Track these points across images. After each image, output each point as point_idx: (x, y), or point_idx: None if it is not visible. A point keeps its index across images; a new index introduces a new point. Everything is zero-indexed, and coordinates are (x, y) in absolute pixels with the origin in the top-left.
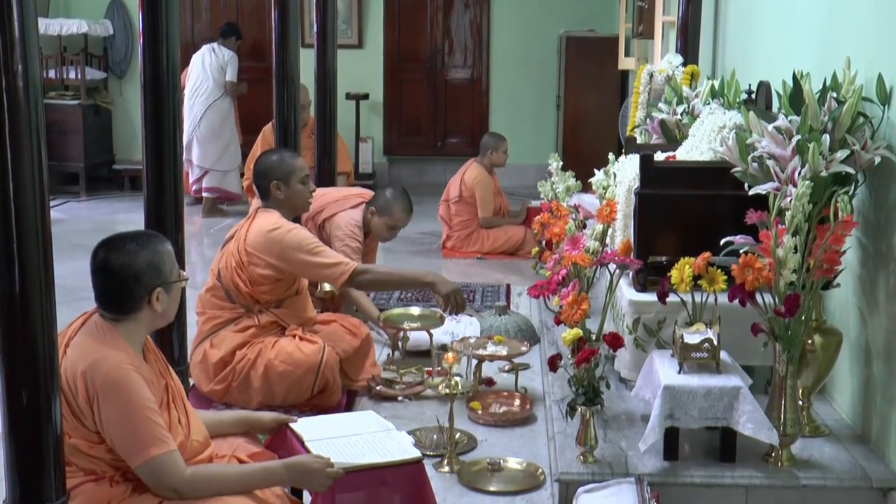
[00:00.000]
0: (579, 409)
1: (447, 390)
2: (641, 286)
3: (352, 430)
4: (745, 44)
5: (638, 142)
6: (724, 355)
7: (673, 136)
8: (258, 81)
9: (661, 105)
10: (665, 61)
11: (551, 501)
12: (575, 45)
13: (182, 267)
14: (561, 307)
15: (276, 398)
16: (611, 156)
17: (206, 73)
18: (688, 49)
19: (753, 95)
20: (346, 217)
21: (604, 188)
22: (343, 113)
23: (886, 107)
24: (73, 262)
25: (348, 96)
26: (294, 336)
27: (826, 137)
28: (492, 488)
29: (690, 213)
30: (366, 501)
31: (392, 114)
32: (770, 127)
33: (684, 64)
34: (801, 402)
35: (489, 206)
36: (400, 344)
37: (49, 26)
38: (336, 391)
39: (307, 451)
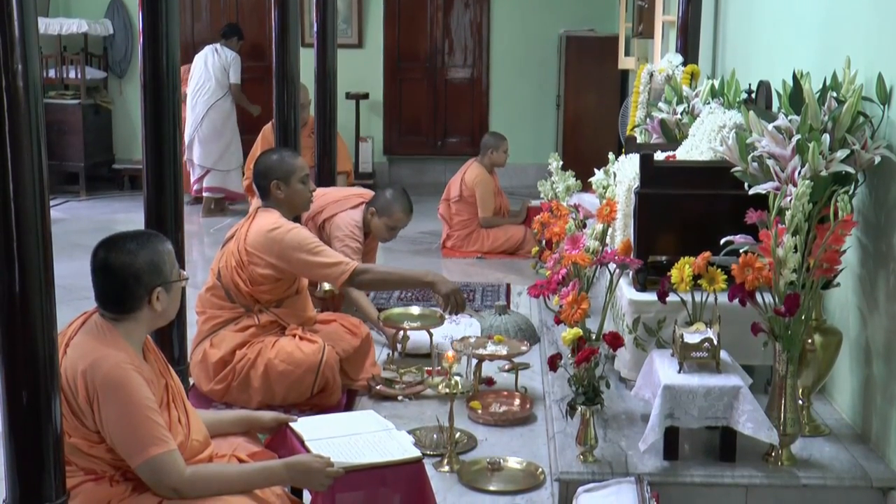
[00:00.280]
0: (579, 408)
1: (447, 390)
2: (641, 286)
3: (352, 429)
4: (745, 43)
5: (638, 141)
6: (724, 355)
7: (673, 135)
8: (258, 81)
9: (661, 104)
10: (665, 61)
11: (551, 501)
12: (575, 45)
13: (182, 266)
14: (561, 307)
15: (276, 398)
16: (611, 155)
17: (208, 73)
18: (688, 48)
19: (753, 95)
20: (346, 217)
21: (604, 188)
22: (343, 112)
23: (886, 106)
24: (73, 261)
25: (348, 96)
26: (294, 336)
27: (826, 137)
28: (492, 488)
29: (690, 212)
30: (366, 501)
31: (392, 113)
32: (770, 126)
33: (684, 63)
34: (801, 402)
35: (489, 206)
36: (399, 344)
37: (49, 26)
38: (336, 391)
39: (307, 450)
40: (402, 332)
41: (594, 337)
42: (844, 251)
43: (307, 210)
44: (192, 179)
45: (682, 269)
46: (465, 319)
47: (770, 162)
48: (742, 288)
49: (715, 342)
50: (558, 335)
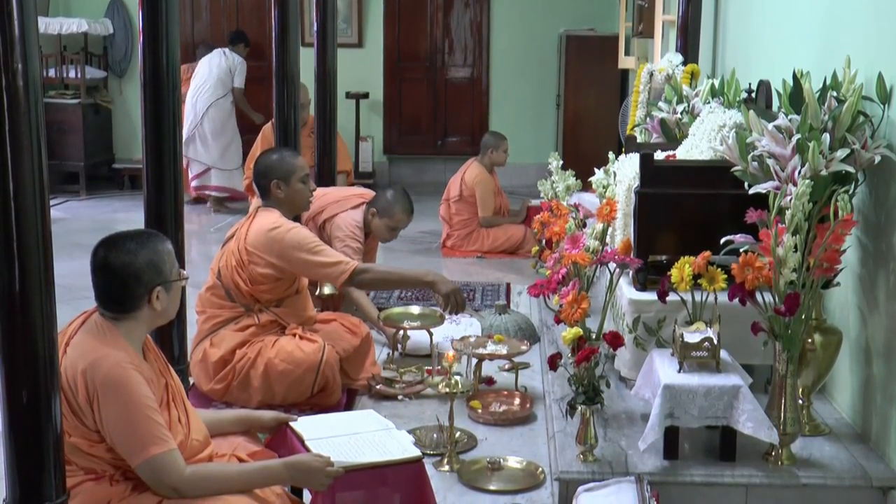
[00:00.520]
0: (579, 408)
1: (447, 389)
2: (641, 285)
3: (352, 428)
4: (745, 43)
5: (638, 141)
6: (724, 354)
7: (673, 135)
8: (258, 80)
9: (661, 104)
10: (665, 60)
11: (551, 500)
12: (575, 44)
13: (182, 266)
14: (561, 306)
15: (276, 397)
16: (611, 155)
17: (211, 72)
18: (688, 48)
19: (753, 94)
20: (346, 218)
21: (604, 187)
22: (343, 112)
23: (886, 106)
24: (73, 261)
25: (348, 95)
26: (294, 335)
27: (826, 136)
28: (492, 487)
29: (690, 211)
30: (366, 500)
31: (392, 113)
32: (770, 126)
33: (684, 63)
34: (801, 401)
35: (489, 206)
36: (400, 343)
37: (49, 25)
38: (336, 390)
39: (307, 449)
40: (402, 332)
41: (594, 336)
42: (844, 251)
43: (307, 210)
44: (190, 176)
45: (682, 269)
46: (465, 319)
47: (770, 161)
48: (742, 287)
49: (715, 341)
50: (558, 334)
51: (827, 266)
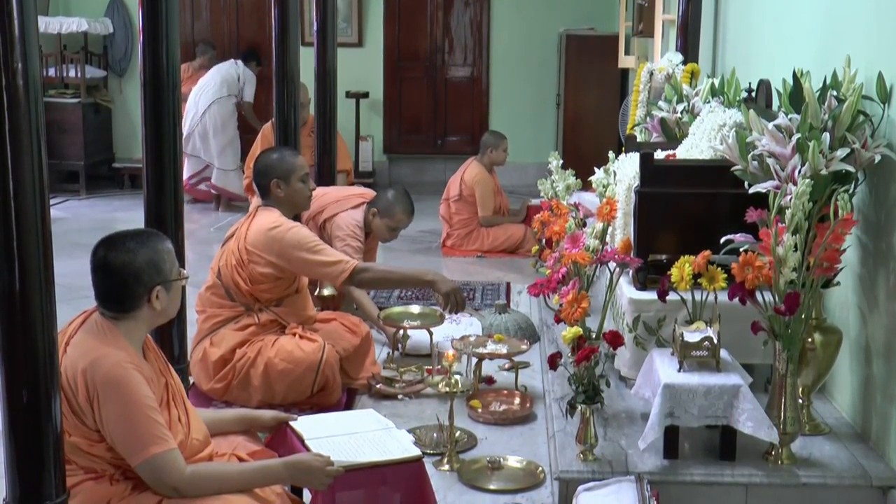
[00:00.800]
0: (579, 407)
1: (447, 388)
2: (641, 284)
3: (352, 428)
4: (746, 42)
5: (638, 140)
6: (724, 354)
7: (673, 134)
8: (258, 80)
9: (661, 103)
10: (665, 59)
11: (551, 500)
12: (575, 44)
13: (182, 265)
14: (561, 305)
15: (276, 396)
16: (611, 154)
17: (219, 75)
18: (688, 47)
19: (753, 94)
20: (347, 217)
21: (604, 186)
22: (343, 111)
23: (886, 105)
24: (73, 260)
25: (348, 95)
26: (294, 334)
27: (826, 136)
28: (492, 487)
29: (690, 211)
30: (366, 500)
31: (392, 112)
32: (770, 125)
33: (684, 62)
34: (801, 401)
35: (489, 205)
36: (400, 343)
37: (49, 24)
38: (336, 389)
39: (307, 449)
40: (402, 331)
41: (594, 336)
42: (844, 250)
43: (307, 209)
44: (188, 174)
45: (682, 268)
46: (465, 318)
47: (770, 161)
48: (742, 287)
49: (715, 341)
50: (558, 334)
51: (827, 265)
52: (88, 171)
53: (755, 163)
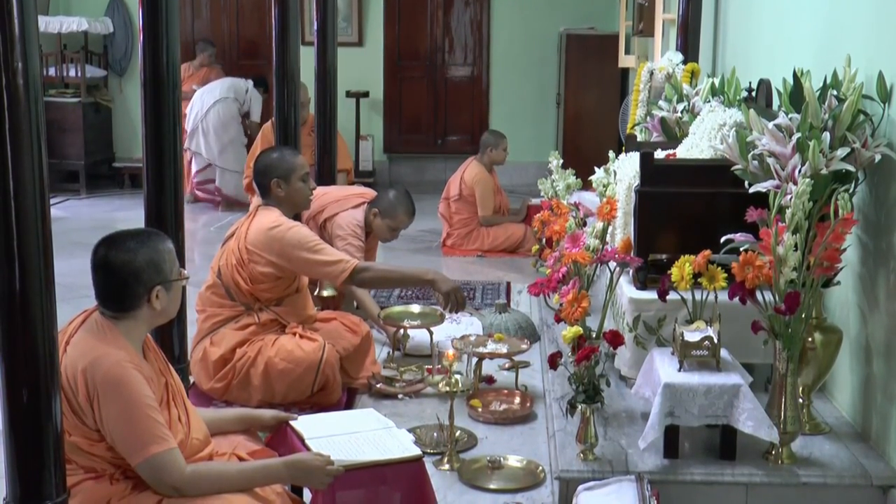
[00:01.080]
0: (579, 406)
1: (447, 388)
2: (642, 284)
3: (352, 427)
4: (746, 41)
5: (638, 139)
6: (724, 353)
7: (673, 133)
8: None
9: (661, 103)
10: (665, 59)
11: (552, 499)
12: (575, 43)
13: (182, 265)
14: (561, 305)
15: (277, 396)
16: (611, 153)
17: (229, 80)
18: (688, 47)
19: (754, 93)
20: (347, 217)
21: (604, 186)
22: (343, 111)
23: (887, 104)
24: (73, 259)
25: (348, 94)
26: (294, 334)
27: (826, 135)
28: (492, 486)
29: (691, 210)
30: (366, 499)
31: (392, 112)
32: (770, 125)
33: (684, 62)
34: (801, 400)
35: (489, 205)
36: (400, 342)
37: (49, 24)
38: (336, 389)
39: (307, 448)
40: (402, 331)
41: (594, 335)
42: (845, 249)
43: (307, 208)
44: (193, 171)
45: (683, 268)
46: (465, 318)
47: (770, 160)
48: (742, 286)
49: (715, 340)
50: (558, 333)
51: (827, 265)
52: (88, 170)
53: (755, 162)
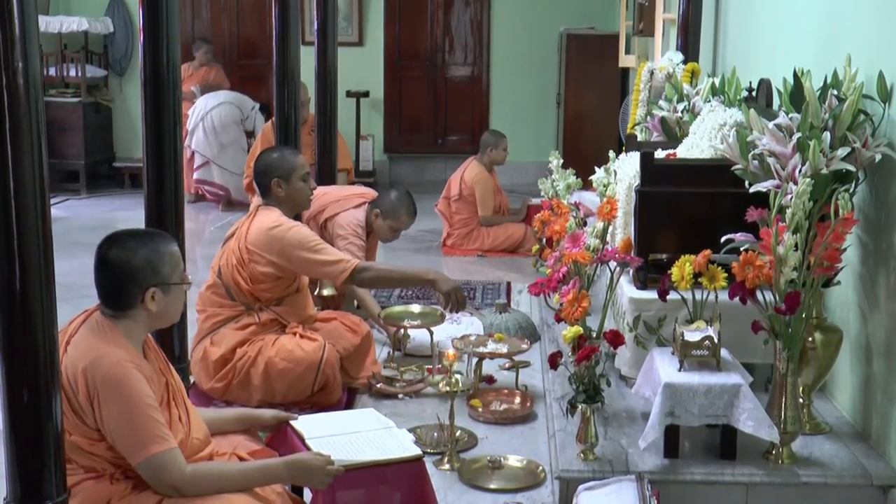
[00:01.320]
0: (580, 406)
1: (447, 388)
2: (642, 284)
3: (352, 427)
4: (746, 41)
5: (638, 139)
6: (724, 353)
7: (673, 133)
8: (258, 79)
9: (661, 103)
10: (666, 59)
11: (552, 499)
12: (575, 43)
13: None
14: (561, 305)
15: (277, 396)
16: (611, 153)
17: (234, 92)
18: (688, 46)
19: (754, 93)
20: (348, 217)
21: (604, 186)
22: (343, 110)
23: (887, 104)
24: (73, 259)
25: (349, 94)
26: (294, 334)
27: (827, 135)
28: (492, 486)
29: (691, 210)
30: (366, 499)
31: (392, 111)
32: (771, 124)
33: (685, 61)
34: (801, 400)
35: (489, 205)
36: (401, 342)
37: (49, 24)
38: (336, 389)
39: (307, 448)
40: (402, 331)
41: (595, 335)
42: (845, 249)
43: (308, 208)
44: (194, 166)
45: (683, 267)
46: (465, 318)
47: (771, 160)
48: (742, 286)
49: (715, 340)
50: (559, 333)
51: (827, 265)
52: (89, 170)
53: (756, 162)
